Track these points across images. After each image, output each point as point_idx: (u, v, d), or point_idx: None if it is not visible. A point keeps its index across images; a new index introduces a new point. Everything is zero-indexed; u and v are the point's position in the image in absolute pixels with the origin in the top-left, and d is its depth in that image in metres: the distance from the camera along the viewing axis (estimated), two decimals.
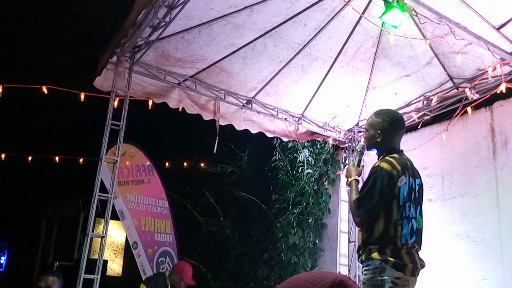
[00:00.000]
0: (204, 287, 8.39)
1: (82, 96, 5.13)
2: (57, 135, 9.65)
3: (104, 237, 4.62)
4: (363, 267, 2.66)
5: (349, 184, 2.83)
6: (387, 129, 2.82)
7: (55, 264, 7.77)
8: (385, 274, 2.52)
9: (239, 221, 8.31)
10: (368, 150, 2.98)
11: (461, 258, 5.11)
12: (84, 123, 8.63)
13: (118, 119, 4.79)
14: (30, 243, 10.63)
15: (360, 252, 2.70)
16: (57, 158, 7.11)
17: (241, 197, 8.18)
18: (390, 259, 2.54)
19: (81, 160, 6.99)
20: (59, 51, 8.72)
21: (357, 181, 2.81)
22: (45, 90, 5.12)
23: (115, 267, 9.79)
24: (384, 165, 2.65)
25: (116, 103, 4.87)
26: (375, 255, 2.57)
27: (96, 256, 4.68)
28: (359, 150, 2.98)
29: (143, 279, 6.21)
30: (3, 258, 11.53)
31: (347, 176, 2.87)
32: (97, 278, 4.44)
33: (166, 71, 5.26)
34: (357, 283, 2.84)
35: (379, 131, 2.82)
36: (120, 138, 4.79)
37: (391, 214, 2.60)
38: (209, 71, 5.41)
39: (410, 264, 2.58)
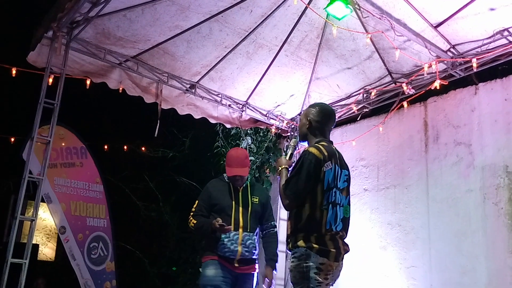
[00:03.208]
0: (141, 273, 8.28)
1: (14, 71, 4.85)
2: None
3: (33, 220, 4.42)
4: (291, 255, 2.72)
5: (279, 173, 2.89)
6: (318, 119, 2.93)
7: None
8: (310, 260, 2.59)
9: (179, 207, 8.24)
10: (301, 141, 3.07)
11: (392, 245, 5.34)
12: (15, 101, 8.17)
13: (53, 98, 4.57)
14: None
15: (289, 240, 2.76)
16: None
17: (182, 182, 8.10)
18: (315, 245, 2.61)
19: (12, 139, 6.61)
20: None
21: (287, 169, 2.87)
22: None
23: (47, 251, 9.42)
24: (312, 149, 2.74)
25: (51, 80, 4.64)
26: (300, 242, 2.64)
27: (26, 240, 4.46)
28: (292, 144, 3.05)
29: (72, 265, 6.00)
30: None
31: (278, 166, 2.92)
32: (25, 262, 4.26)
33: (106, 49, 5.05)
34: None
35: (309, 119, 2.94)
36: (54, 117, 4.58)
37: (316, 199, 2.67)
38: (152, 53, 5.26)
39: (334, 250, 2.65)
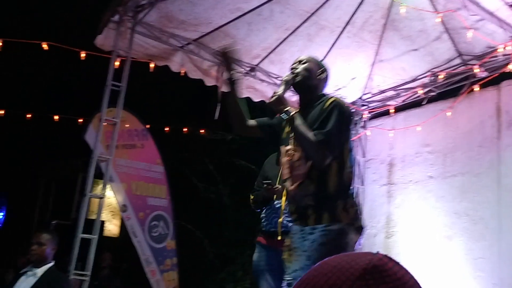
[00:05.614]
0: (200, 252, 8.49)
1: (83, 54, 5.03)
2: (56, 93, 9.56)
3: (102, 197, 4.61)
4: (318, 228, 2.23)
5: (289, 115, 2.39)
6: (326, 76, 2.68)
7: (53, 222, 7.83)
8: (348, 237, 2.21)
9: (238, 190, 8.32)
10: (296, 89, 2.65)
11: (458, 235, 5.11)
12: (83, 82, 8.51)
13: (119, 80, 4.70)
14: (28, 201, 10.69)
15: (310, 212, 2.27)
16: (56, 117, 7.02)
17: (240, 165, 8.16)
18: (355, 222, 2.26)
19: (80, 120, 6.89)
20: (62, 6, 8.53)
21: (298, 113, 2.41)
22: (45, 46, 5.02)
23: (112, 228, 9.88)
24: (342, 102, 2.41)
25: (117, 63, 4.77)
26: (343, 216, 2.21)
27: (94, 217, 4.66)
28: (287, 80, 2.60)
29: (133, 241, 6.20)
30: (1, 214, 11.62)
31: (281, 104, 2.43)
32: (94, 238, 4.46)
33: (169, 33, 5.13)
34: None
35: (326, 75, 2.63)
36: (120, 99, 4.72)
37: (343, 159, 2.30)
38: (213, 36, 5.27)
39: (363, 227, 2.36)
